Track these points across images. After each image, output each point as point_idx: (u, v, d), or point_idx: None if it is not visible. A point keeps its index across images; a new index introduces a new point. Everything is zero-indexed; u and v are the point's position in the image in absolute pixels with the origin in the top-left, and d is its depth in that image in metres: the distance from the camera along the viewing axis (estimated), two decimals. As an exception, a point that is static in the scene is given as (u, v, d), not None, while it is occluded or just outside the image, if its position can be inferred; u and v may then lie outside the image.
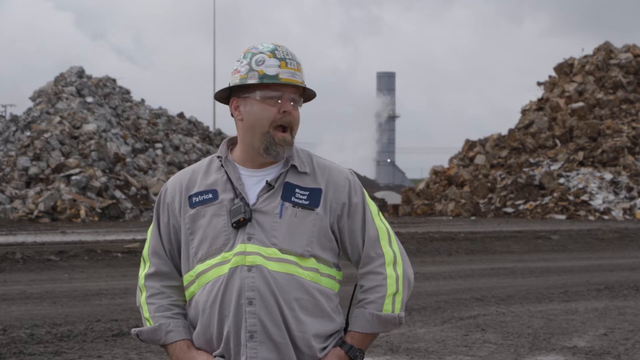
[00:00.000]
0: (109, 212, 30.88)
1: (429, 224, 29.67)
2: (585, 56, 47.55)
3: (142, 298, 2.98)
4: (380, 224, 2.97)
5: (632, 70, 45.46)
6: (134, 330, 2.99)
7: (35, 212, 29.34)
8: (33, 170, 31.94)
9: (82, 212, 29.57)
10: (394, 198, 51.40)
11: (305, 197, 2.89)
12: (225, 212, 2.87)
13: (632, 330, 9.37)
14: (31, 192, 30.82)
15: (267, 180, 2.90)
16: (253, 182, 2.91)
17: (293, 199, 2.88)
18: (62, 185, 30.93)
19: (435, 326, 9.47)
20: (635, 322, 9.88)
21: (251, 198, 2.89)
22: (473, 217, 37.82)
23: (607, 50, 46.67)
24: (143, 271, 3.01)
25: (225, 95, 2.97)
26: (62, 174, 31.78)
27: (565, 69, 47.53)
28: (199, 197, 2.92)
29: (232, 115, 2.97)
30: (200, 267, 2.88)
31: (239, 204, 2.85)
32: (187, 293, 2.94)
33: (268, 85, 2.87)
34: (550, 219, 35.35)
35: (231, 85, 2.92)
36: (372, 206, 3.00)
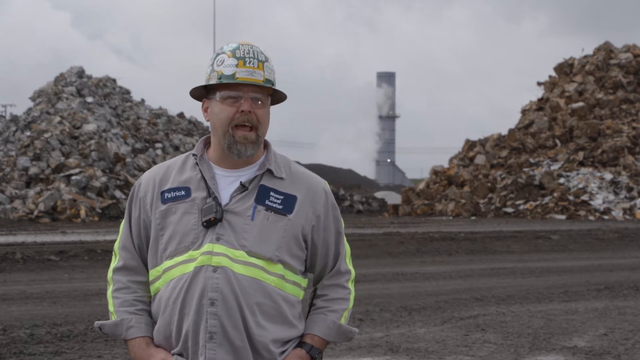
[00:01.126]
0: (109, 212, 30.89)
1: (429, 224, 29.67)
2: (585, 56, 47.55)
3: (108, 291, 3.00)
4: (346, 241, 3.05)
5: (632, 70, 45.46)
6: (97, 323, 2.99)
7: (35, 212, 29.34)
8: (33, 170, 31.94)
9: (82, 212, 29.57)
10: (394, 198, 51.40)
11: (279, 202, 2.88)
12: (196, 211, 2.86)
13: (632, 330, 9.37)
14: (31, 192, 30.82)
15: (241, 182, 2.89)
16: (227, 182, 2.91)
17: (267, 202, 2.87)
18: (62, 185, 30.93)
19: (435, 326, 9.47)
20: (635, 322, 9.88)
21: (224, 198, 2.88)
22: (473, 217, 37.82)
23: (607, 50, 46.68)
24: (112, 264, 3.02)
25: (203, 94, 2.98)
26: (62, 174, 31.79)
27: (565, 69, 47.54)
28: (172, 193, 2.91)
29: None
30: (167, 264, 2.88)
31: (210, 203, 2.85)
32: (152, 288, 2.94)
33: (227, 86, 2.86)
34: (550, 219, 35.35)
35: (195, 86, 2.95)
36: (343, 222, 3.05)
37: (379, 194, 54.05)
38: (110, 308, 2.96)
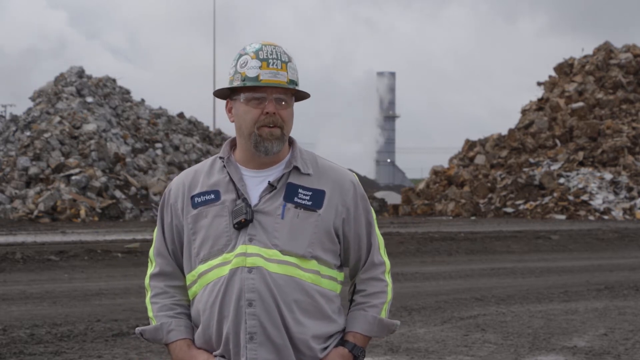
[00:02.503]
0: (109, 212, 30.88)
1: (429, 224, 29.67)
2: (585, 56, 47.56)
3: (147, 298, 3.02)
4: (379, 232, 3.04)
5: (632, 70, 45.46)
6: (138, 329, 3.01)
7: (35, 212, 29.33)
8: (33, 170, 31.94)
9: (82, 212, 29.57)
10: (394, 198, 51.37)
11: (308, 198, 2.88)
12: (227, 213, 2.87)
13: (632, 330, 9.37)
14: (31, 192, 30.82)
15: (269, 181, 2.89)
16: (255, 183, 2.91)
17: (296, 199, 2.87)
18: (62, 185, 30.93)
19: (435, 326, 9.47)
20: (635, 322, 9.88)
21: (253, 199, 2.88)
22: (473, 217, 37.82)
23: (607, 50, 46.69)
24: (149, 271, 3.04)
25: (227, 94, 2.98)
26: (62, 174, 31.78)
27: (565, 69, 47.55)
28: (202, 197, 2.92)
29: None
30: (202, 268, 2.89)
31: (240, 205, 2.85)
32: (190, 293, 2.96)
33: (252, 87, 2.86)
34: (550, 219, 35.35)
35: (220, 88, 2.95)
36: (374, 213, 3.04)
37: (379, 194, 54.01)
38: (150, 314, 2.99)
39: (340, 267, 2.98)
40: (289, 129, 2.91)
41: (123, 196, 32.08)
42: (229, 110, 2.95)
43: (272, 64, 2.86)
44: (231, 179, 2.91)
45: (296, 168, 2.92)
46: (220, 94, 2.97)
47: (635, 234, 24.51)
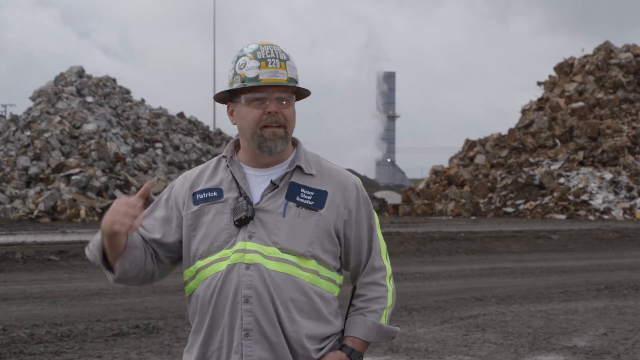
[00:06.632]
0: (109, 212, 30.86)
1: (429, 224, 29.67)
2: (585, 56, 47.57)
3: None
4: (382, 237, 3.03)
5: (632, 70, 45.47)
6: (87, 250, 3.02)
7: (35, 212, 29.33)
8: (33, 170, 31.94)
9: (82, 212, 29.56)
10: (394, 198, 51.37)
11: (310, 198, 2.88)
12: (228, 211, 2.88)
13: (632, 330, 9.38)
14: (31, 192, 30.82)
15: (271, 180, 2.89)
16: (258, 182, 2.91)
17: (297, 198, 2.87)
18: (62, 185, 30.92)
19: (435, 326, 9.47)
20: (635, 322, 9.88)
21: (255, 197, 2.89)
22: (473, 217, 37.82)
23: (607, 50, 46.69)
24: None
25: (227, 98, 2.99)
26: (62, 174, 31.78)
27: (565, 69, 47.55)
28: (204, 194, 2.93)
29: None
30: (200, 264, 2.89)
31: (241, 202, 2.85)
32: (187, 289, 2.95)
33: (252, 88, 2.86)
34: (550, 219, 35.34)
35: (220, 92, 2.95)
36: (377, 217, 3.03)
37: (379, 194, 53.99)
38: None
39: (339, 270, 2.96)
40: (292, 127, 2.91)
41: (123, 196, 32.07)
42: (230, 113, 2.96)
43: (271, 63, 2.86)
44: (234, 178, 2.92)
45: (299, 168, 2.92)
46: (220, 98, 2.97)
47: (635, 234, 24.51)
